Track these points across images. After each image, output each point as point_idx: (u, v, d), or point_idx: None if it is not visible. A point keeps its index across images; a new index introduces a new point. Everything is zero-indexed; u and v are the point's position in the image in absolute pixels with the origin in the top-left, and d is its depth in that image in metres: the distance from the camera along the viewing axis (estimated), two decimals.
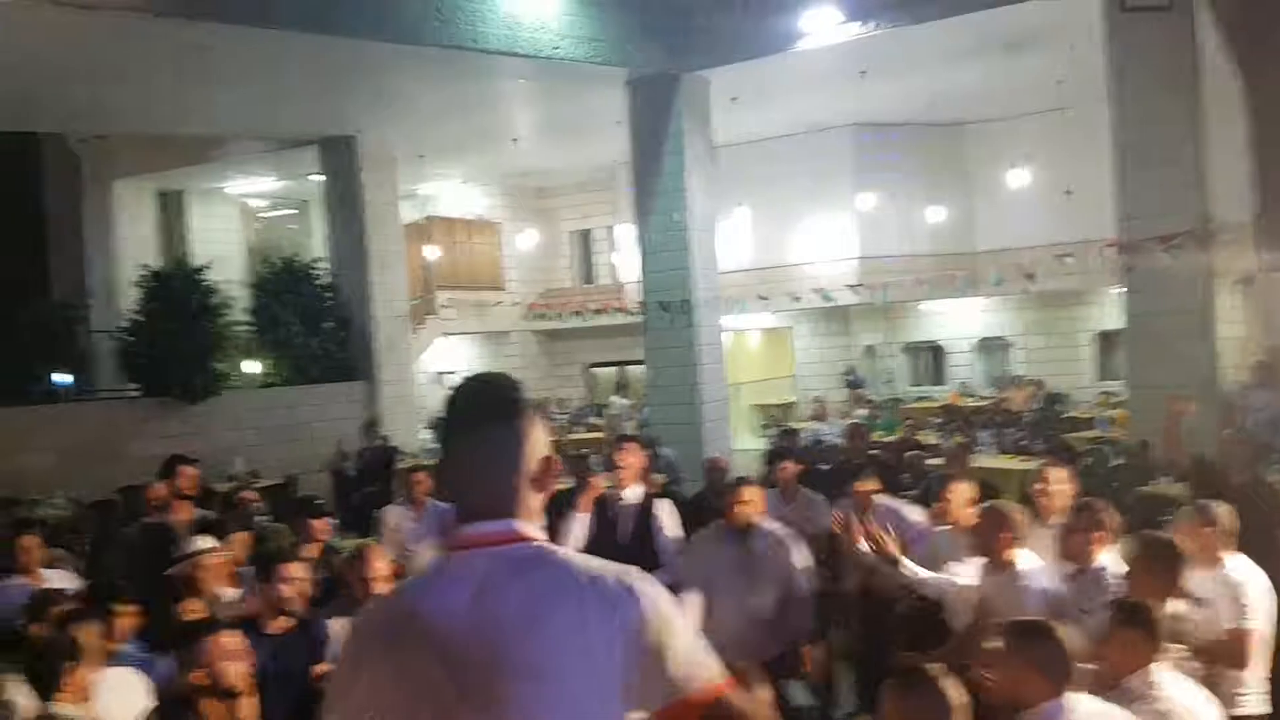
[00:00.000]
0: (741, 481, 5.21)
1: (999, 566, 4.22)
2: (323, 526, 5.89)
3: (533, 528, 1.67)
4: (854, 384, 18.06)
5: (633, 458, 5.43)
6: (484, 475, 1.66)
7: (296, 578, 4.08)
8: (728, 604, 4.82)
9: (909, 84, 14.45)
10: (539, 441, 1.71)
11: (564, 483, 6.29)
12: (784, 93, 14.16)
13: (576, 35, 11.49)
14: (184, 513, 6.29)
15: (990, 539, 4.24)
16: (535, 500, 1.69)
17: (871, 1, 11.18)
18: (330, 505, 11.93)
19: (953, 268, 16.57)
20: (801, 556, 5.10)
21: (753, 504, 5.05)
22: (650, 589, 1.61)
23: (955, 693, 2.65)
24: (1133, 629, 3.25)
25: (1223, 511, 4.11)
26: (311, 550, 5.62)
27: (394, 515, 6.64)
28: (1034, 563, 4.24)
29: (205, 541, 4.99)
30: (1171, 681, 3.23)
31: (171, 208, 18.78)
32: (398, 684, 1.55)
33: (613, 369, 21.39)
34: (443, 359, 19.38)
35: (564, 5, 11.37)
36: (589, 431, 17.05)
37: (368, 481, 11.99)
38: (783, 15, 11.58)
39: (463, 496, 1.67)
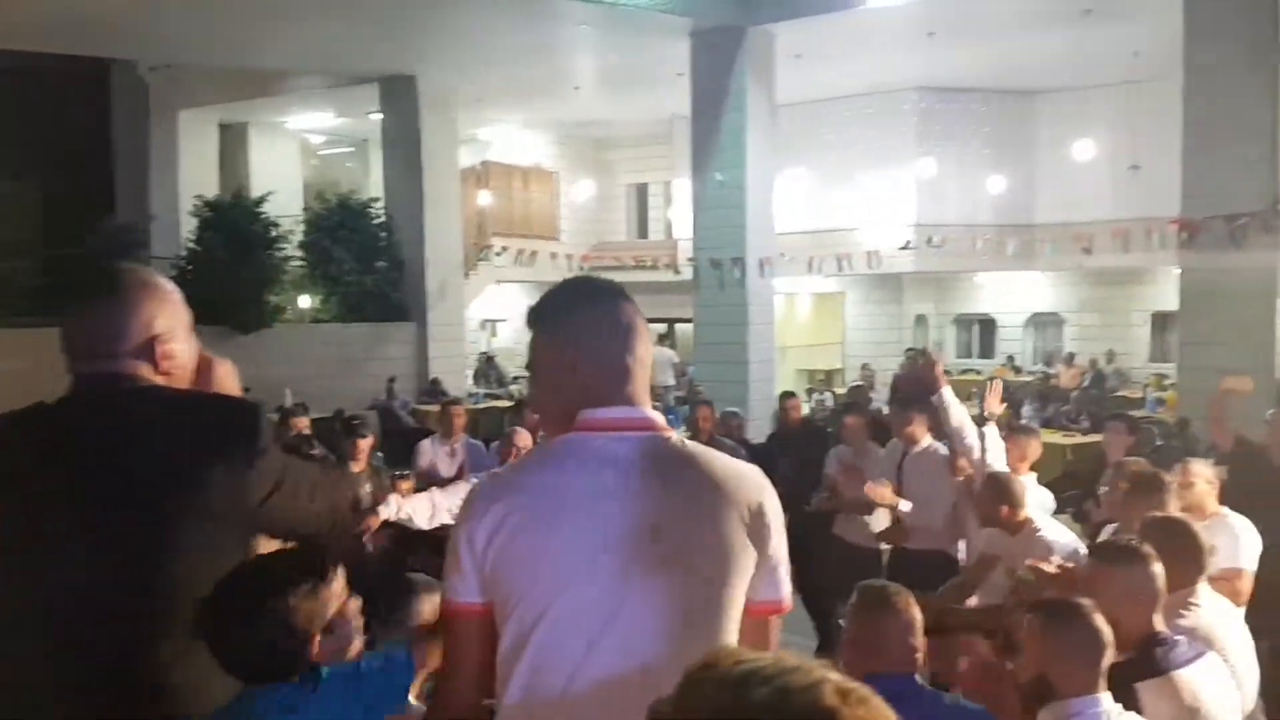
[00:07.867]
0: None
1: (1011, 529, 4.16)
2: (366, 445, 6.07)
3: (659, 415, 1.66)
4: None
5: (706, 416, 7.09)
6: (599, 356, 1.63)
7: None
8: None
9: (978, 48, 14.12)
10: (644, 330, 1.68)
11: None
12: (849, 51, 13.92)
13: None
14: None
15: (993, 509, 4.21)
16: (647, 386, 1.67)
17: None
18: (379, 439, 12.34)
19: (1010, 239, 16.31)
20: None
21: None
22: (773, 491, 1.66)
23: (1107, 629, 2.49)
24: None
25: (1200, 467, 4.22)
26: (358, 467, 5.91)
27: (428, 449, 6.73)
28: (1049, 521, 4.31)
29: None
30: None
31: (233, 140, 19.04)
32: (539, 539, 1.54)
33: (661, 325, 21.37)
34: (492, 306, 19.52)
35: None
36: None
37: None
38: None
39: (576, 379, 1.63)
